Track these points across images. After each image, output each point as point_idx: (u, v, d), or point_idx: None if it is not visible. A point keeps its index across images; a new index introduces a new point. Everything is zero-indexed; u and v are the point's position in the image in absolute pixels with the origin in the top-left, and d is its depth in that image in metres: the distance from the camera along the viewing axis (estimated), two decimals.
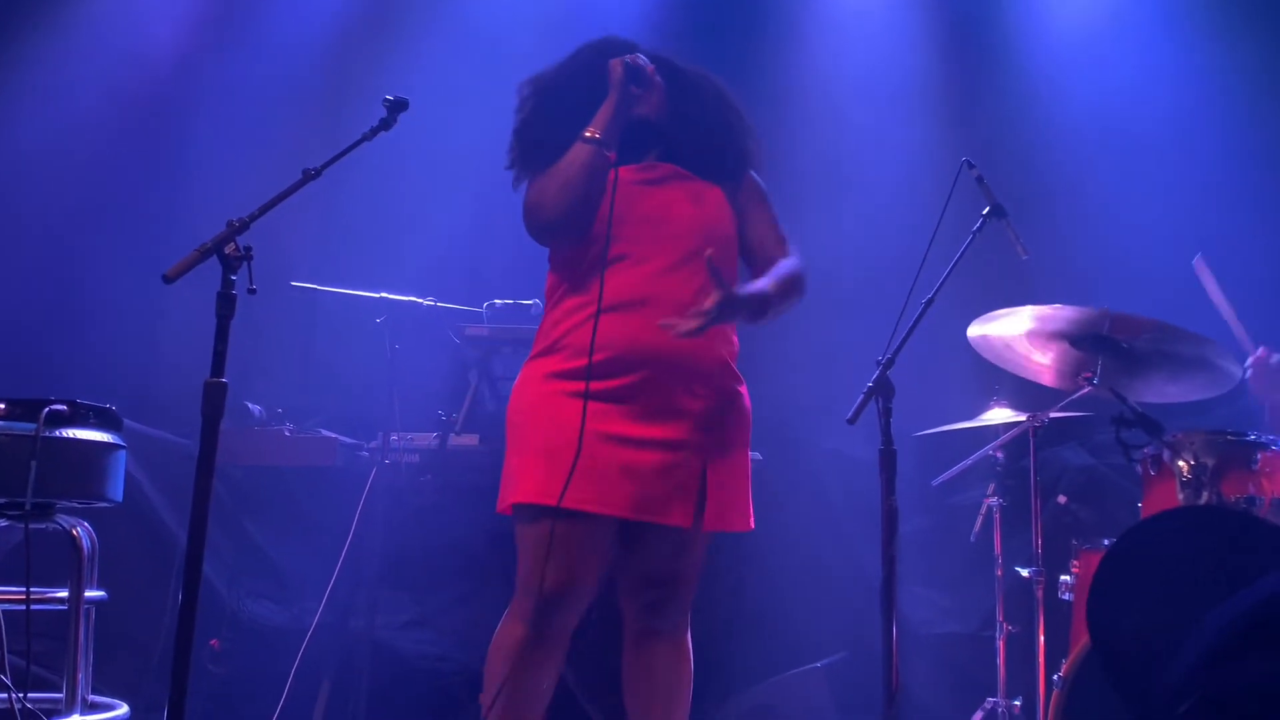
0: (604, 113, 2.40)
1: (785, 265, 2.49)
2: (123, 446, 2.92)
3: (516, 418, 2.42)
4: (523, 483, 2.31)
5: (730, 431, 2.43)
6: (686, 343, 2.29)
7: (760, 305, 2.37)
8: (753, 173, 2.59)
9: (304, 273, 4.26)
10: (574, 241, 2.41)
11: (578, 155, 2.37)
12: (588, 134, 2.38)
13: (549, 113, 2.48)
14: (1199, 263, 3.63)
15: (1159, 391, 3.40)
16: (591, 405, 2.30)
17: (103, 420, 2.84)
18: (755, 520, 2.50)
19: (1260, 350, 3.58)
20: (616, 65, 2.41)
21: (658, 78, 2.47)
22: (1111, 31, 5.12)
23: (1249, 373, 3.55)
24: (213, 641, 4.06)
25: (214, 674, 4.08)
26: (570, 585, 2.31)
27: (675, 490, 2.33)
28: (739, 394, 2.48)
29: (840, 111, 5.13)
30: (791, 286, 2.46)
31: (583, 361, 2.31)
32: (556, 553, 2.28)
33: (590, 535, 2.32)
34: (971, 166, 2.97)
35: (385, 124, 2.36)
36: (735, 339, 2.51)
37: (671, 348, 2.31)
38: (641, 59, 2.45)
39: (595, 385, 2.31)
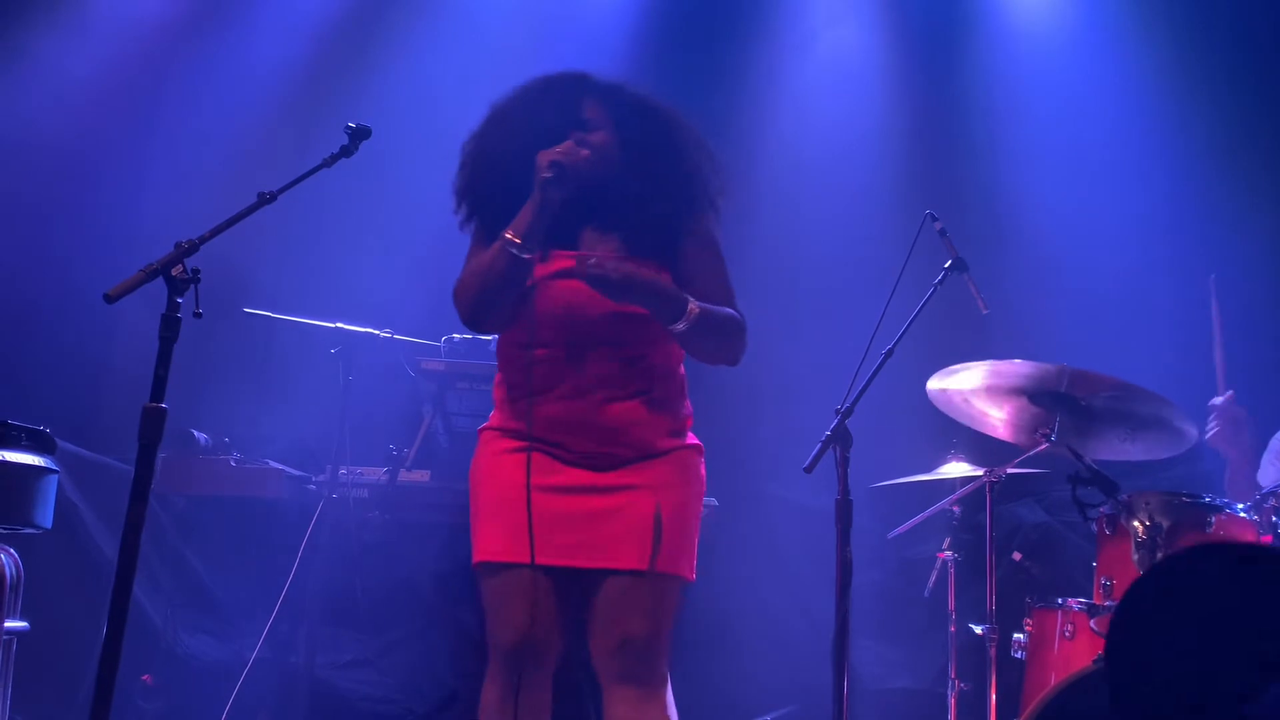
0: (525, 214, 2.28)
1: (723, 309, 2.38)
2: (54, 471, 2.82)
3: (471, 481, 2.48)
4: (474, 545, 2.39)
5: (675, 482, 2.40)
6: (626, 414, 2.35)
7: (667, 301, 2.26)
8: (711, 216, 2.45)
9: (260, 300, 4.19)
10: (498, 332, 2.46)
11: (496, 259, 2.30)
12: (508, 235, 2.28)
13: (485, 180, 2.41)
14: (1213, 283, 3.57)
15: (1116, 449, 3.39)
16: (533, 459, 2.35)
17: (35, 442, 2.75)
18: (708, 565, 2.53)
19: (1229, 393, 3.47)
20: (542, 162, 2.26)
21: (604, 154, 2.33)
22: (1079, 82, 5.14)
23: (1211, 420, 3.47)
24: (145, 676, 3.93)
25: (146, 710, 3.95)
26: (524, 639, 2.33)
27: (624, 533, 2.33)
28: (687, 454, 2.45)
29: (802, 158, 5.14)
30: (722, 323, 2.35)
31: (523, 438, 2.38)
32: (509, 608, 2.33)
33: (538, 587, 2.33)
34: (934, 219, 2.97)
35: (346, 151, 2.35)
36: (682, 407, 2.47)
37: (612, 418, 2.34)
38: (575, 153, 2.29)
39: (535, 443, 2.37)
